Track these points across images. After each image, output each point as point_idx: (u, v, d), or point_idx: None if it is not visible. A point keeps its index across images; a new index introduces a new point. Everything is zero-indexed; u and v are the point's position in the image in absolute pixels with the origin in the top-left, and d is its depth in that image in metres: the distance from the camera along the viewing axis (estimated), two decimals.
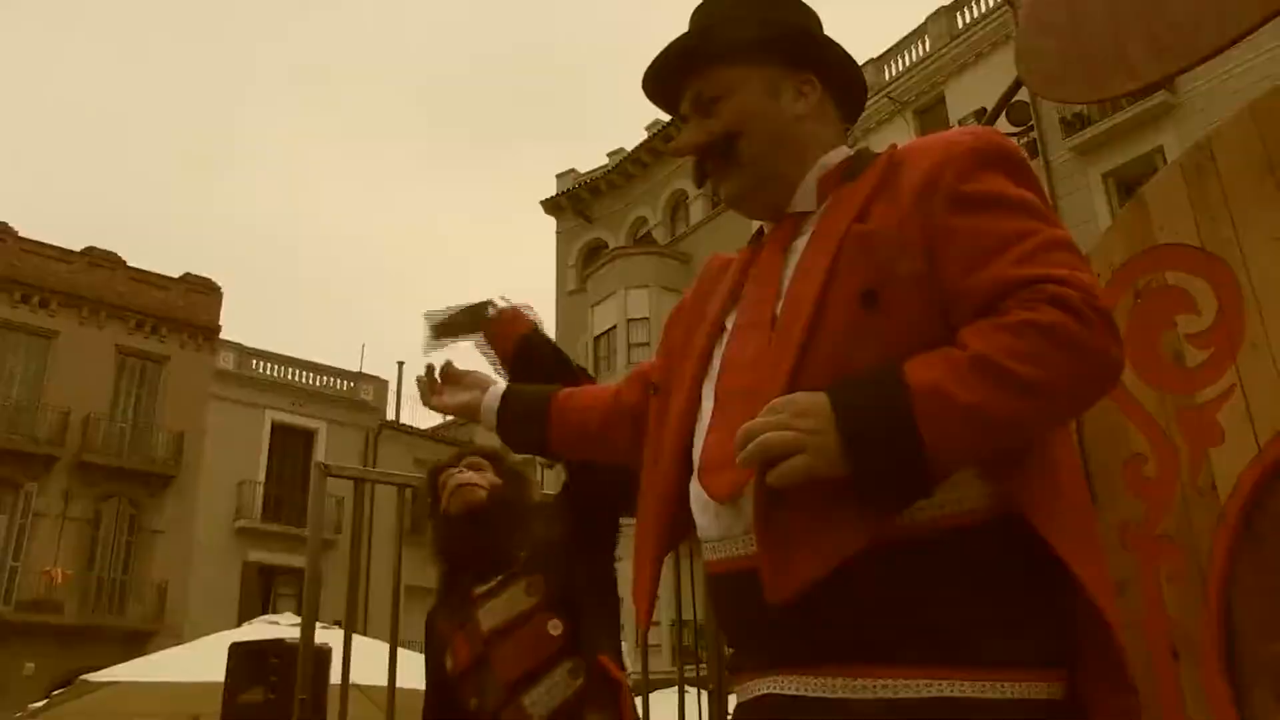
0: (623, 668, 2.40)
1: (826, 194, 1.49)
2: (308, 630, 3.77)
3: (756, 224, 1.61)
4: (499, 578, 2.48)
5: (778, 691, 1.30)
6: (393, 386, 30.16)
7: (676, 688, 4.03)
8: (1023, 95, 3.47)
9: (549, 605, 2.40)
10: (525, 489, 2.64)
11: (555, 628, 2.37)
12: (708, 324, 1.53)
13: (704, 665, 4.04)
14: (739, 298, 1.52)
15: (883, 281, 1.31)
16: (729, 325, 1.50)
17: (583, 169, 31.15)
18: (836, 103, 1.59)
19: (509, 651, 2.39)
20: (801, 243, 1.45)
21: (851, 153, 1.54)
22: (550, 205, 31.08)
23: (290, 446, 27.43)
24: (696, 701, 4.18)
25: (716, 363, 1.48)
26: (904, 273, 1.31)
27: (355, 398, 29.31)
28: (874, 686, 1.22)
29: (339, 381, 29.52)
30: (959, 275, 1.30)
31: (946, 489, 1.24)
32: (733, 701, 1.46)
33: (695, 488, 1.43)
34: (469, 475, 2.63)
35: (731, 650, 1.45)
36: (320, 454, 26.57)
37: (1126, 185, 17.33)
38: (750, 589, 1.29)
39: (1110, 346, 1.24)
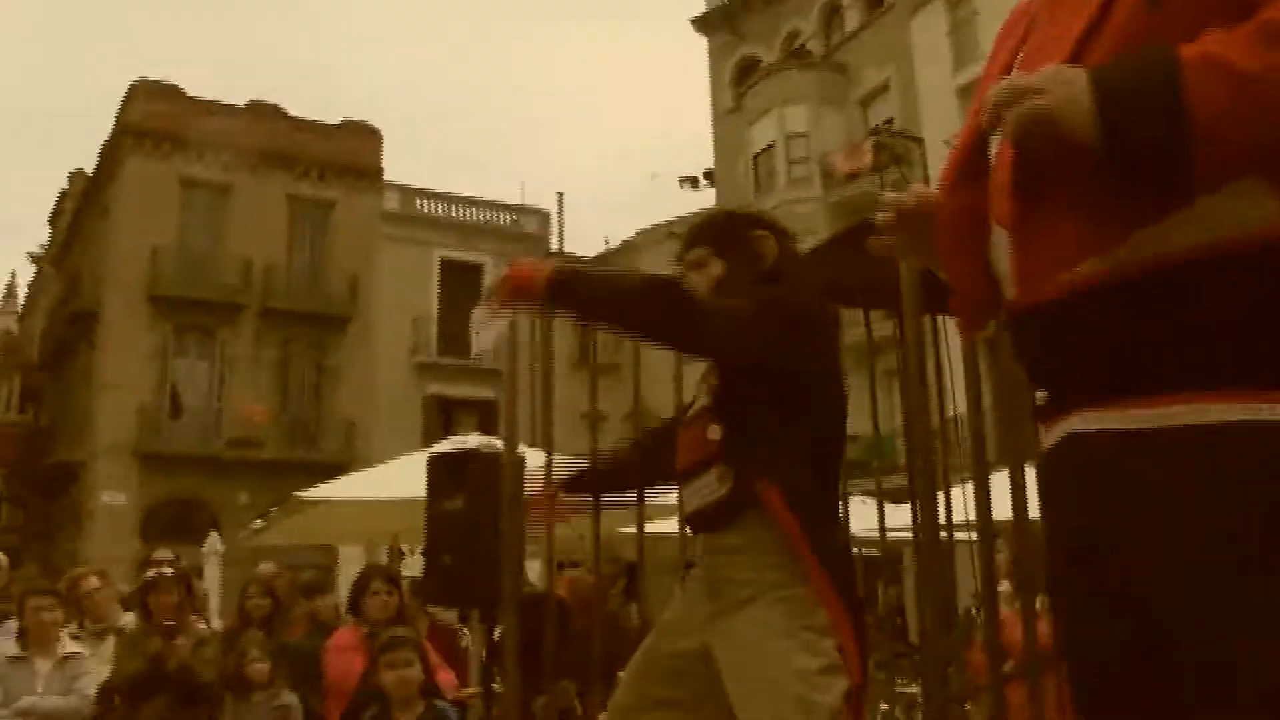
0: (800, 504, 2.32)
1: None
2: (511, 427, 3.83)
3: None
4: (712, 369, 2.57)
5: (1081, 429, 1.22)
6: (554, 217, 30.45)
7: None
8: None
9: (715, 410, 2.45)
10: (748, 277, 2.52)
11: (714, 432, 2.43)
12: (999, 67, 1.42)
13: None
14: (1032, 29, 1.38)
15: None
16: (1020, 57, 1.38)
17: None
18: None
19: (683, 442, 2.57)
20: None
21: None
22: (700, 23, 30.14)
23: (460, 281, 28.13)
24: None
25: None
26: None
27: (519, 230, 29.72)
28: (1172, 414, 1.12)
29: (502, 215, 29.94)
30: None
31: (1232, 202, 1.08)
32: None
33: (992, 225, 1.34)
34: (689, 280, 2.60)
35: (1037, 393, 1.34)
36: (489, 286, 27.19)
37: None
38: (1038, 325, 1.22)
39: None
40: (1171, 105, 1.03)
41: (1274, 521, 1.07)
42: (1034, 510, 3.33)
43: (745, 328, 2.32)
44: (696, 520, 2.52)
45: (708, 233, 2.64)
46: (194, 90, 26.45)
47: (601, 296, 2.36)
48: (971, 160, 1.41)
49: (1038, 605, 4.45)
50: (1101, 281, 1.15)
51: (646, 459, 2.95)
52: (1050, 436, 1.30)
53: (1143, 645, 1.14)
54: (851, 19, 26.24)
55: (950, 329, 3.68)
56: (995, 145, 1.34)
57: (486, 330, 2.57)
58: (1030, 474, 3.44)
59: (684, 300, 2.31)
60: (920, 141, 22.24)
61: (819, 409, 2.47)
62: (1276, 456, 1.08)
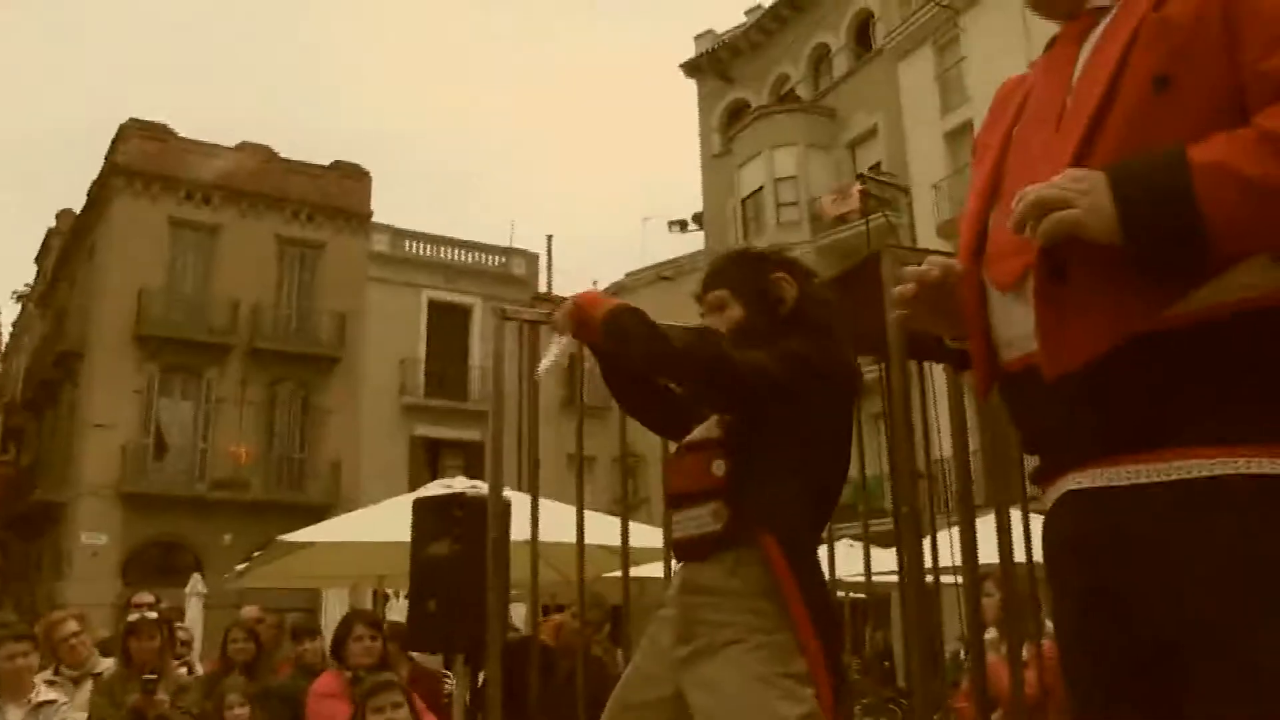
0: (795, 554, 2.32)
1: None
2: (496, 472, 3.81)
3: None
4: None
5: (1079, 487, 1.30)
6: (543, 260, 30.51)
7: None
8: None
9: (724, 445, 2.43)
10: (768, 323, 2.51)
11: (719, 468, 2.41)
12: (999, 137, 1.50)
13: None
14: (1030, 100, 1.48)
15: (1177, 65, 1.25)
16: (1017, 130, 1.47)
17: (720, 29, 30.30)
18: None
19: (680, 467, 2.56)
20: (1096, 34, 1.40)
21: None
22: (690, 68, 30.43)
23: (448, 323, 28.16)
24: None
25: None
26: (1199, 55, 1.24)
27: (508, 272, 29.75)
28: (1168, 470, 1.20)
29: (490, 257, 29.98)
30: (1259, 57, 1.22)
31: (1241, 273, 1.19)
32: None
33: (989, 291, 1.42)
34: (710, 321, 2.61)
35: (1033, 456, 1.44)
36: (476, 329, 27.21)
37: None
38: (1042, 383, 1.30)
39: None
40: (1187, 211, 1.15)
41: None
42: (1019, 554, 3.34)
43: (774, 383, 2.33)
44: (684, 548, 2.49)
45: (728, 274, 2.62)
46: (184, 130, 26.57)
47: (653, 337, 2.36)
48: (980, 235, 1.47)
49: (1025, 651, 4.45)
50: (1117, 347, 1.24)
51: (664, 398, 2.73)
52: (1050, 497, 1.36)
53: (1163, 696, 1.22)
54: (840, 64, 26.52)
55: (936, 374, 3.69)
56: (993, 215, 1.42)
57: (550, 354, 2.58)
58: (1016, 518, 3.45)
59: (726, 361, 2.33)
60: (906, 190, 22.47)
61: (825, 462, 2.48)
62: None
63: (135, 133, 25.89)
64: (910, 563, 2.95)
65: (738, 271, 2.62)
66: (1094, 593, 1.31)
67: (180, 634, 6.90)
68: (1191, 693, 1.18)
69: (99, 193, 26.50)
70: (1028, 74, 1.57)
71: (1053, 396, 1.30)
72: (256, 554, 10.21)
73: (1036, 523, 3.46)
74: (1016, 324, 1.36)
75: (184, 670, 5.70)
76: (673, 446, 2.69)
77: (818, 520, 2.48)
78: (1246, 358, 1.19)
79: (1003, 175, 1.43)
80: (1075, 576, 1.34)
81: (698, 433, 2.55)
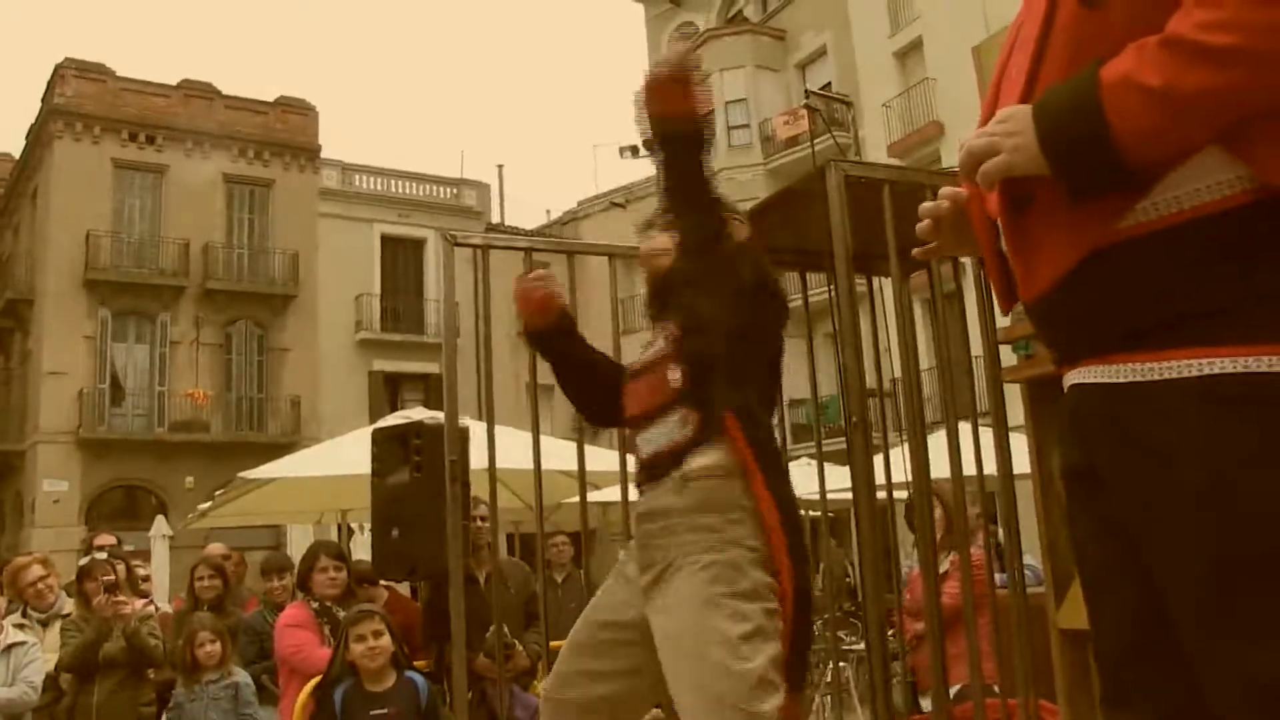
0: (755, 429, 2.42)
1: None
2: (451, 398, 3.83)
3: None
4: (658, 327, 2.66)
5: (1081, 381, 1.37)
6: (495, 189, 30.22)
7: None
8: None
9: (676, 355, 2.51)
10: (713, 250, 2.60)
11: (675, 379, 2.49)
12: (999, 66, 1.56)
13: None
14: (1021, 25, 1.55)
15: None
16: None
17: None
18: None
19: (637, 390, 2.62)
20: None
21: None
22: None
23: (401, 257, 27.91)
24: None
25: None
26: None
27: (460, 204, 29.43)
28: (1159, 369, 1.24)
29: (442, 189, 29.62)
30: None
31: (1194, 176, 1.22)
32: None
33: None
34: (656, 243, 2.71)
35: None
36: (431, 262, 26.99)
37: None
38: (1041, 309, 1.41)
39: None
40: (1098, 131, 1.21)
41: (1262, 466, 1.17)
42: (969, 468, 3.43)
43: (744, 281, 2.49)
44: (653, 465, 2.52)
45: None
46: (122, 69, 25.89)
47: (698, 177, 2.54)
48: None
49: (947, 563, 4.57)
50: (1084, 261, 1.29)
51: (610, 382, 2.83)
52: (1065, 384, 1.44)
53: (1150, 613, 1.29)
54: None
55: (886, 290, 3.74)
56: None
57: None
58: (966, 433, 3.54)
59: (720, 242, 2.53)
60: (850, 105, 22.36)
61: (768, 376, 2.61)
62: (1259, 404, 1.18)
63: (72, 73, 25.19)
64: (861, 476, 3.02)
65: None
66: (1077, 474, 1.40)
67: (139, 570, 6.94)
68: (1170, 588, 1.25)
69: (38, 136, 25.81)
70: None
71: (1053, 313, 1.39)
72: (219, 493, 10.21)
73: (987, 436, 3.56)
74: None
75: (141, 603, 5.75)
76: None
77: (770, 406, 2.61)
78: (1213, 260, 1.22)
79: (995, 107, 1.48)
80: (1069, 456, 1.43)
81: (646, 356, 2.63)
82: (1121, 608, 1.36)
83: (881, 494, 3.71)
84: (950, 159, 17.82)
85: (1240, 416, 1.18)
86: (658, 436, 2.50)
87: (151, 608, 5.90)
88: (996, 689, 3.80)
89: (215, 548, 7.05)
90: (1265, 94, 1.17)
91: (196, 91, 26.42)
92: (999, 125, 1.32)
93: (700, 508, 2.37)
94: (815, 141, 15.74)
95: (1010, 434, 3.49)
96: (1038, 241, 1.35)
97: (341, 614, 4.82)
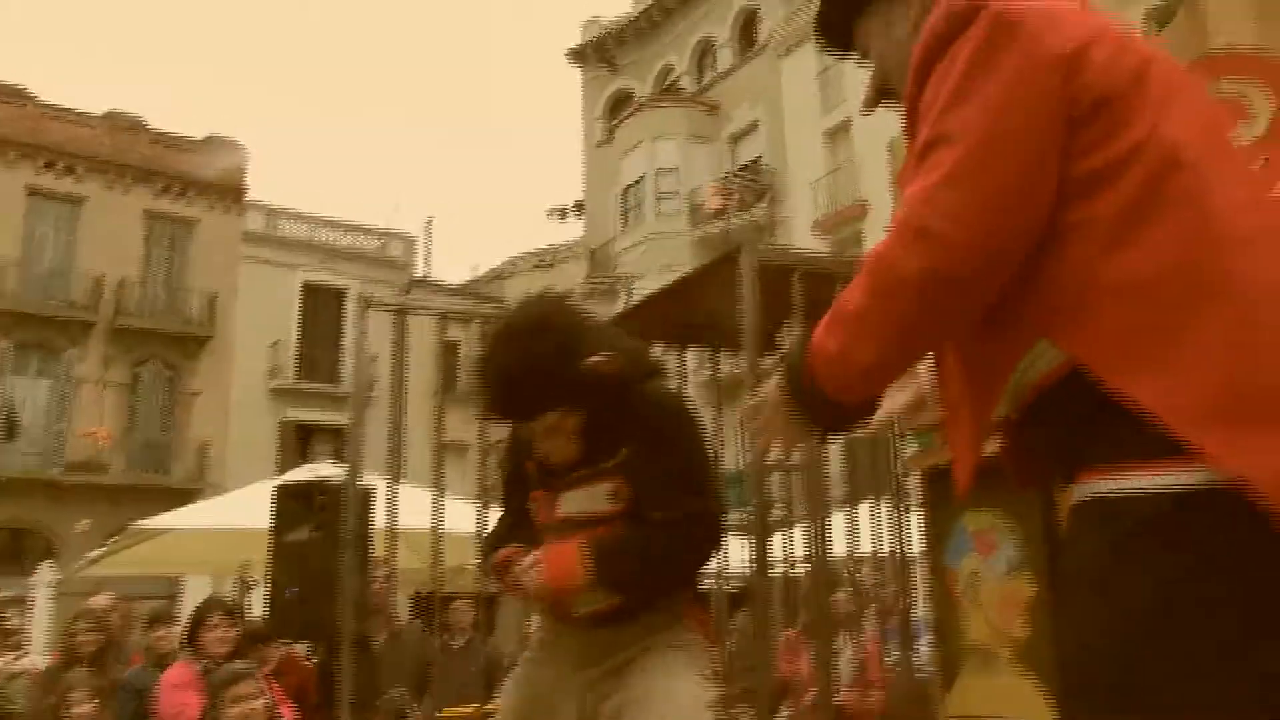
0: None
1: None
2: (355, 462, 3.78)
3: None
4: (591, 469, 2.39)
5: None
6: (421, 242, 30.11)
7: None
8: None
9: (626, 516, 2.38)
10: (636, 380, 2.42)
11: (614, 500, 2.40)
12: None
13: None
14: None
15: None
16: None
17: (608, 17, 30.32)
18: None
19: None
20: None
21: None
22: (575, 55, 30.39)
23: (322, 306, 27.55)
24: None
25: None
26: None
27: (385, 255, 29.25)
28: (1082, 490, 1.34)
29: (368, 239, 29.43)
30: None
31: (1040, 361, 1.34)
32: None
33: None
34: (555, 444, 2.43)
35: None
36: (351, 311, 26.70)
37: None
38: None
39: (906, 260, 1.29)
40: (818, 389, 1.43)
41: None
42: (866, 546, 3.47)
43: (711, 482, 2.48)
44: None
45: (547, 395, 2.30)
46: (45, 95, 25.38)
47: (644, 570, 2.36)
48: None
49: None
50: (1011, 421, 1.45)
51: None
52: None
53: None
54: (724, 58, 26.81)
55: None
56: None
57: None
58: (865, 514, 3.59)
59: (698, 528, 2.39)
60: (765, 191, 22.79)
61: None
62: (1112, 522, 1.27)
63: None
64: (758, 553, 3.03)
65: (555, 388, 2.28)
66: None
67: (8, 622, 6.56)
68: None
69: None
70: None
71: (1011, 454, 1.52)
72: (113, 540, 9.88)
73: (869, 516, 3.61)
74: None
75: (21, 660, 5.46)
76: None
77: None
78: (1077, 411, 1.32)
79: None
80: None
81: (576, 507, 2.42)
82: None
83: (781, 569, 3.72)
84: (873, 238, 18.21)
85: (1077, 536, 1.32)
86: (582, 501, 2.43)
87: (25, 662, 5.62)
88: None
89: (99, 599, 6.75)
90: (918, 334, 1.36)
91: (122, 124, 25.97)
92: (752, 413, 1.55)
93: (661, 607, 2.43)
94: (729, 219, 16.02)
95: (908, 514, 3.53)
96: (955, 436, 1.48)
97: None
